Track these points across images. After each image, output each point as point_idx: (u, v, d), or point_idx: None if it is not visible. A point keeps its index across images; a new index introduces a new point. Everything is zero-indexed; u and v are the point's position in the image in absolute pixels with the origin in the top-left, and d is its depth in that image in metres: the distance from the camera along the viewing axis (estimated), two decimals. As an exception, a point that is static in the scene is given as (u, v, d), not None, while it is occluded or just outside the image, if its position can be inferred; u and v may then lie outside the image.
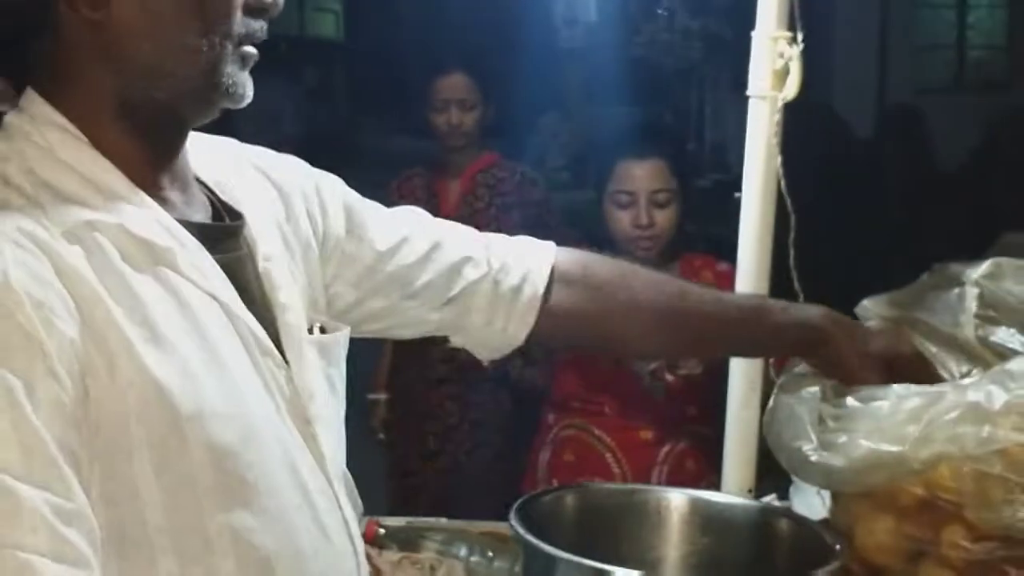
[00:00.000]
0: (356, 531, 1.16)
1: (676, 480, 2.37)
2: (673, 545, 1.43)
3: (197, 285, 1.03)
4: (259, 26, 1.07)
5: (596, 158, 2.67)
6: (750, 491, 1.59)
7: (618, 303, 1.35)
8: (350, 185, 1.30)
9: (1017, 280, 1.38)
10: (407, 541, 2.02)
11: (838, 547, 1.33)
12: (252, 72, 1.07)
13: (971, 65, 11.60)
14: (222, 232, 1.11)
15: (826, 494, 1.67)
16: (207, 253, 1.05)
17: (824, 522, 1.51)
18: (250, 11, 1.05)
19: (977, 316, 1.41)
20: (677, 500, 1.44)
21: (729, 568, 1.40)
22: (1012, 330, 1.38)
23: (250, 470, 1.00)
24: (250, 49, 1.07)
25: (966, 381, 1.28)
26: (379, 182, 3.44)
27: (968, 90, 11.19)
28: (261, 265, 1.12)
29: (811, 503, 1.81)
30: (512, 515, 1.35)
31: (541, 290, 1.34)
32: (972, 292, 1.42)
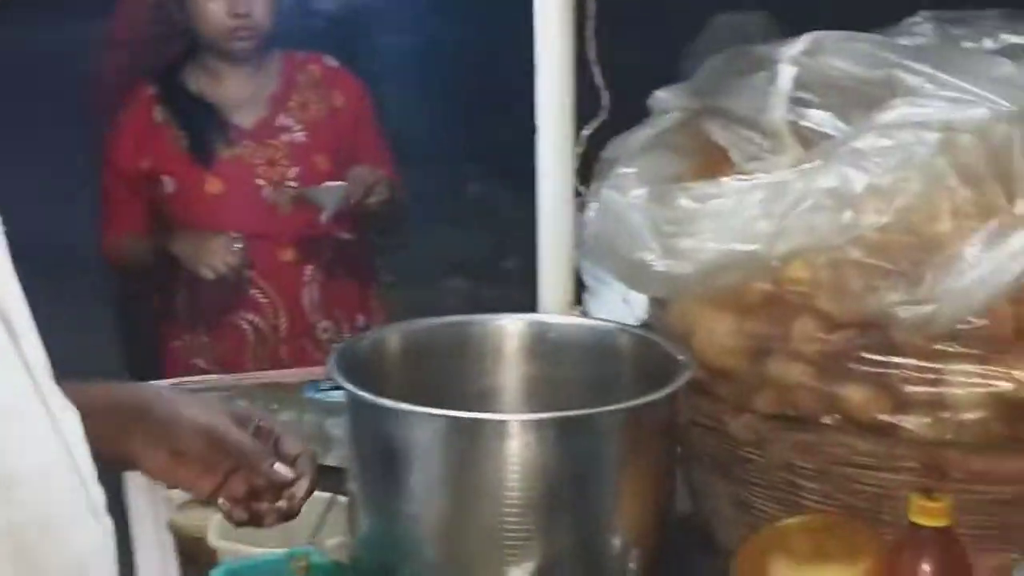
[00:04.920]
0: None
1: (329, 301, 2.22)
2: (508, 375, 1.33)
3: None
4: None
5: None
6: (578, 306, 1.50)
7: None
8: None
9: (840, 54, 1.29)
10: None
11: (682, 359, 1.25)
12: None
13: None
14: None
15: (635, 299, 1.61)
16: None
17: (646, 327, 1.43)
18: None
19: (790, 99, 1.33)
20: (510, 327, 1.33)
21: (571, 392, 1.30)
22: (828, 113, 1.30)
23: None
24: None
25: (806, 166, 1.20)
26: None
27: None
28: None
29: (612, 309, 1.74)
30: (331, 364, 1.21)
31: None
32: (787, 72, 1.33)
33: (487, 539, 1.15)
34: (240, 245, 2.11)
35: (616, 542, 1.19)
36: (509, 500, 1.14)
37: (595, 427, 1.17)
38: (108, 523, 0.86)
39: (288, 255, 2.22)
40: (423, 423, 1.15)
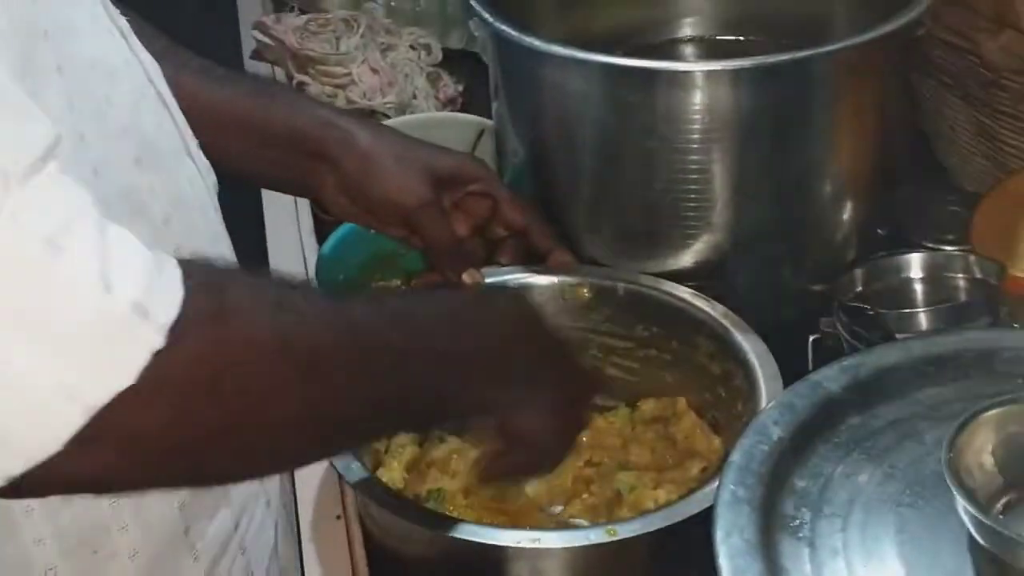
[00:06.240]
0: None
1: None
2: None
3: None
4: None
5: None
6: None
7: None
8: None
9: None
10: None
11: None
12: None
13: None
14: None
15: None
16: None
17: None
18: None
19: None
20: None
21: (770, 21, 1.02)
22: None
23: None
24: None
25: None
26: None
27: None
28: None
29: None
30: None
31: None
32: None
33: (663, 206, 0.93)
34: None
35: (825, 213, 0.96)
36: (692, 165, 0.90)
37: (808, 73, 0.89)
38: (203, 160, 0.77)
39: None
40: (586, 72, 0.90)
